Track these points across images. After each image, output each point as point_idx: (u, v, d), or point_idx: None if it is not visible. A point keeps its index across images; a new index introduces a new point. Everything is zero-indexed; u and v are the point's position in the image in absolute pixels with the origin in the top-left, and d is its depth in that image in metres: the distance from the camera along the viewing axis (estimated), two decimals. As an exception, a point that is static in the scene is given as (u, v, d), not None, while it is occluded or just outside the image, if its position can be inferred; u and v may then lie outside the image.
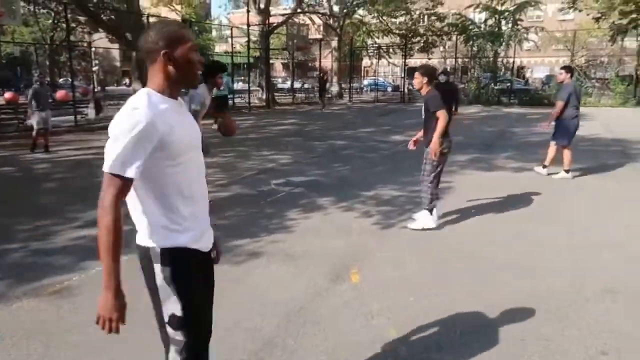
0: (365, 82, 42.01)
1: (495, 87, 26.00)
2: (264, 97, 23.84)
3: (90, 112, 15.53)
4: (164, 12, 36.39)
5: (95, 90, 18.71)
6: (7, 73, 33.40)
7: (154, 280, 1.70)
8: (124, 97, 18.82)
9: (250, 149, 10.21)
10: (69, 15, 16.78)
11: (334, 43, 31.03)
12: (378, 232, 4.90)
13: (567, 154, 7.34)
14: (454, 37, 29.87)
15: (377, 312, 3.19)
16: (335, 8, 30.63)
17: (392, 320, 3.08)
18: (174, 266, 1.68)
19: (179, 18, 36.66)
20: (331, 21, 30.98)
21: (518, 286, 3.61)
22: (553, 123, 7.48)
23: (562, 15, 33.52)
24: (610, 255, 4.24)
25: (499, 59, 29.22)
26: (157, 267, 1.68)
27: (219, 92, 14.25)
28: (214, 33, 50.06)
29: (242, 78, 33.42)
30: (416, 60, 38.24)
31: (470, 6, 30.12)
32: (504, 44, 28.11)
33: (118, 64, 49.86)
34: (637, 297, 3.42)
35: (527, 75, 40.81)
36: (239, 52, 29.42)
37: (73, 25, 25.87)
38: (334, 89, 30.27)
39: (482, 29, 29.87)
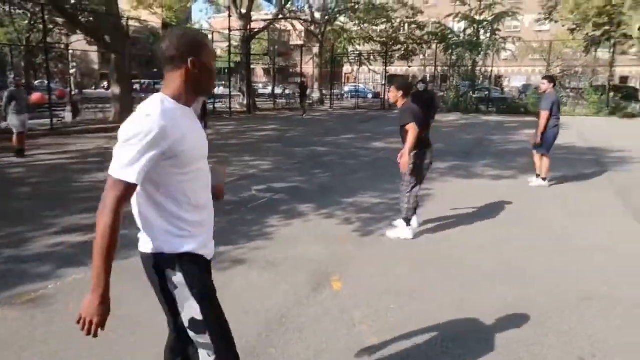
0: (346, 88, 42.29)
1: (474, 96, 26.40)
2: (245, 102, 23.76)
3: (67, 116, 15.26)
4: (144, 15, 36.02)
5: (73, 93, 18.33)
6: (-20, 74, 32.59)
7: (166, 286, 1.70)
8: (102, 100, 18.60)
9: (231, 154, 10.16)
10: (46, 17, 16.48)
11: (315, 49, 31.15)
12: (359, 239, 4.91)
13: (545, 162, 7.47)
14: (433, 46, 30.31)
15: (358, 319, 3.19)
16: (317, 15, 30.81)
17: (374, 328, 3.08)
18: (185, 270, 1.68)
19: (159, 21, 36.36)
20: (313, 27, 31.14)
21: (499, 293, 3.66)
22: (540, 134, 7.45)
23: (539, 26, 34.37)
24: (590, 263, 4.33)
25: (478, 68, 29.72)
26: (169, 273, 1.68)
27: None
28: (194, 37, 49.68)
29: (223, 83, 33.30)
30: (396, 68, 38.71)
31: (449, 15, 30.61)
32: (482, 53, 28.62)
33: (96, 66, 49.10)
34: (612, 303, 3.50)
35: (505, 84, 41.61)
36: (220, 57, 29.28)
37: (50, 26, 25.44)
38: (315, 95, 30.36)
39: (461, 38, 30.38)
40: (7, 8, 27.37)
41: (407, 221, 4.91)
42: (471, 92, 26.59)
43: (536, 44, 35.26)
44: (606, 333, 3.07)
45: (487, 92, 27.07)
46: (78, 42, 26.52)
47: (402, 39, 33.07)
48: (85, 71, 47.86)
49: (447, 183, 7.64)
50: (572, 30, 26.04)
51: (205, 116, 14.71)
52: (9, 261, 4.16)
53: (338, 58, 34.82)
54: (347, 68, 45.80)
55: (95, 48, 27.96)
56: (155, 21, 36.08)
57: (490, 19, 30.00)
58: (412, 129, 4.63)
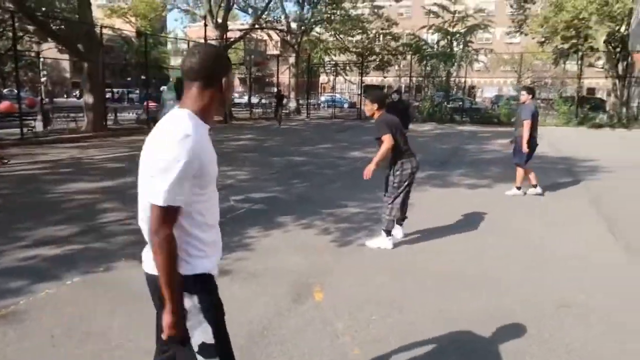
0: (323, 98, 42.52)
1: (448, 106, 26.85)
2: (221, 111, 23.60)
3: (38, 125, 14.87)
4: (118, 23, 35.58)
5: (44, 101, 17.91)
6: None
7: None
8: (74, 109, 18.19)
9: (207, 164, 10.03)
10: (15, 24, 16.10)
11: (292, 59, 31.27)
12: (338, 250, 4.90)
13: (520, 171, 7.61)
14: (408, 57, 30.78)
15: (341, 331, 3.17)
16: (293, 25, 30.96)
17: (356, 340, 3.07)
18: (201, 292, 1.64)
19: (133, 30, 35.95)
20: (289, 37, 31.26)
21: (479, 302, 3.69)
22: (526, 144, 7.50)
23: (509, 38, 35.29)
24: (566, 271, 4.41)
25: (452, 79, 30.29)
26: (185, 294, 1.62)
27: (168, 107, 14.04)
28: (169, 46, 49.37)
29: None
30: (372, 78, 39.11)
31: (423, 27, 31.21)
32: (456, 64, 29.20)
33: (68, 75, 48.21)
34: (589, 311, 3.57)
35: (478, 95, 42.52)
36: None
37: (20, 34, 24.84)
38: (292, 104, 30.41)
39: (435, 49, 30.96)
40: (-26, 15, 26.63)
41: (388, 232, 4.91)
42: (446, 103, 27.04)
43: (507, 55, 36.23)
44: (584, 341, 3.13)
45: (461, 103, 27.58)
46: (49, 50, 26.00)
47: (377, 49, 33.52)
48: (56, 79, 46.97)
49: (425, 192, 7.71)
50: (541, 43, 26.80)
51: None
52: (-23, 276, 4.00)
53: (314, 68, 35.03)
54: (323, 78, 46.12)
55: (66, 56, 27.46)
56: (129, 29, 35.64)
57: (462, 31, 30.73)
58: (386, 141, 4.65)
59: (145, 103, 18.78)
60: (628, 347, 3.07)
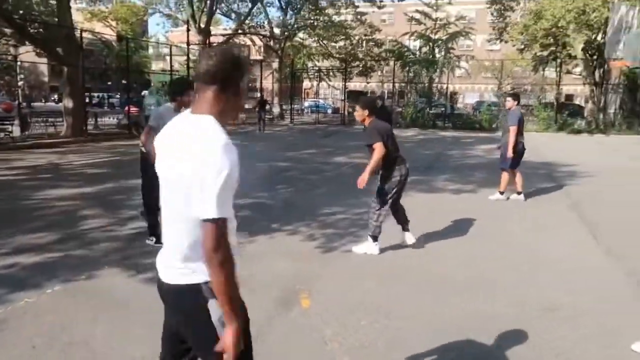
0: (306, 103, 42.52)
1: (431, 112, 27.10)
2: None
3: (15, 130, 14.56)
4: (98, 27, 35.13)
5: (21, 106, 17.55)
6: None
7: (207, 318, 1.55)
8: (52, 114, 17.87)
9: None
10: (-7, 27, 15.80)
11: (275, 64, 31.26)
12: (324, 255, 4.87)
13: (505, 177, 7.67)
14: (391, 63, 31.03)
15: (329, 337, 3.14)
16: (276, 30, 30.98)
17: (345, 346, 3.04)
18: None
19: (114, 34, 35.53)
20: (272, 43, 31.25)
21: (466, 307, 3.69)
22: (511, 149, 7.56)
23: (490, 45, 35.83)
24: (551, 275, 4.45)
25: (434, 85, 30.62)
26: (213, 302, 1.54)
27: (149, 111, 13.90)
28: (150, 50, 48.92)
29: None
30: (355, 84, 39.31)
31: (405, 34, 31.56)
32: (438, 70, 29.53)
33: (46, 79, 47.38)
34: (576, 314, 3.60)
35: (459, 100, 43.07)
36: (177, 71, 28.86)
37: (-3, 37, 24.36)
38: (275, 110, 30.36)
39: (417, 55, 31.30)
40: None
41: (374, 238, 4.89)
42: (428, 108, 27.28)
43: (488, 62, 36.79)
44: (572, 344, 3.15)
45: (443, 108, 27.86)
46: (27, 54, 25.52)
47: (360, 55, 33.72)
48: (34, 83, 46.11)
49: (410, 198, 7.70)
50: (521, 50, 27.30)
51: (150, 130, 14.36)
52: (-48, 285, 3.87)
53: (298, 73, 35.07)
54: (306, 83, 46.17)
55: (45, 60, 27.01)
56: (109, 33, 35.22)
57: (444, 38, 31.14)
58: (378, 149, 4.61)
59: (126, 108, 18.55)
60: (614, 349, 3.10)
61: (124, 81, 29.96)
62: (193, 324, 1.60)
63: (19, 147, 12.88)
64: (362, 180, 4.62)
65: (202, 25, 23.97)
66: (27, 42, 18.93)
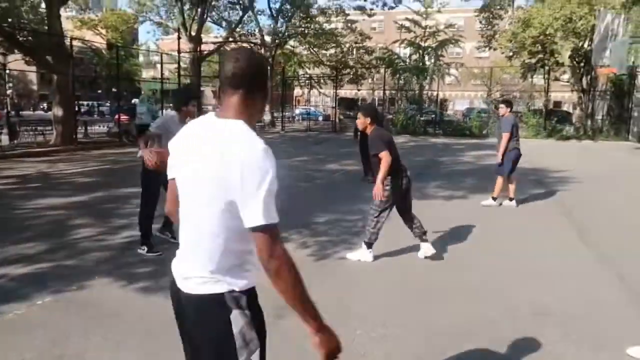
0: (297, 111, 42.59)
1: (421, 118, 27.25)
2: (195, 124, 23.35)
3: (4, 139, 14.43)
4: (88, 35, 35.01)
5: (10, 114, 17.40)
6: None
7: (227, 329, 1.49)
8: (41, 122, 17.73)
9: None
10: (-19, 35, 15.69)
11: (266, 72, 31.24)
12: (317, 263, 4.86)
13: (499, 182, 7.72)
14: (381, 70, 31.20)
15: (324, 346, 3.12)
16: (267, 38, 31.03)
17: (341, 356, 3.02)
18: (254, 308, 1.54)
19: (104, 42, 35.41)
20: (263, 51, 31.28)
21: (460, 313, 3.70)
22: (501, 155, 7.61)
23: (479, 52, 36.16)
24: (541, 281, 4.48)
25: (424, 92, 30.83)
26: (236, 313, 1.49)
27: (140, 120, 13.84)
28: (141, 58, 48.81)
29: (172, 105, 32.66)
30: (346, 91, 39.46)
31: (396, 42, 31.78)
32: (428, 77, 29.75)
33: (35, 87, 47.07)
34: (566, 319, 3.62)
35: (450, 107, 43.40)
36: (168, 79, 28.80)
37: (-15, 45, 24.13)
38: (266, 117, 30.36)
39: (407, 63, 31.53)
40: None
41: (369, 245, 4.88)
42: (419, 115, 27.45)
43: (477, 69, 37.13)
44: (563, 349, 3.16)
45: (433, 115, 28.04)
46: (15, 62, 25.33)
47: (351, 63, 33.86)
48: (23, 92, 45.76)
49: (402, 204, 7.75)
50: (509, 58, 27.58)
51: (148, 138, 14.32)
52: (-60, 298, 3.81)
53: (288, 81, 35.13)
54: (297, 91, 46.25)
55: (34, 68, 26.83)
56: (99, 41, 35.10)
57: (434, 45, 31.40)
58: (384, 157, 4.59)
59: (116, 116, 18.46)
60: (608, 354, 3.11)
61: (114, 89, 29.77)
62: (211, 335, 1.53)
63: (7, 157, 12.74)
64: (378, 189, 4.63)
65: (193, 33, 23.96)
66: (16, 50, 18.78)
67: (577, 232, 6.29)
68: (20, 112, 30.24)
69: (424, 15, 31.37)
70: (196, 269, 1.52)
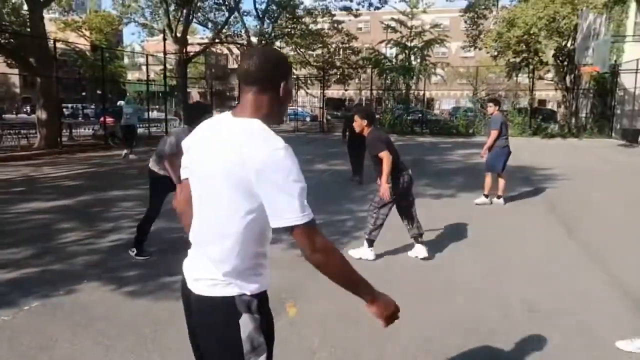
0: (285, 111, 42.45)
1: (408, 118, 27.37)
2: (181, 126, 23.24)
3: (-14, 142, 14.20)
4: (72, 37, 34.58)
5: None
6: None
7: (235, 334, 1.47)
8: (25, 125, 17.45)
9: (170, 180, 9.79)
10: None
11: (253, 73, 31.13)
12: (307, 263, 4.83)
13: (488, 180, 7.78)
14: (368, 70, 31.27)
15: (317, 347, 3.11)
16: (254, 39, 30.91)
17: (334, 355, 3.01)
18: (265, 312, 1.51)
19: (87, 44, 35.02)
20: (249, 52, 31.18)
21: (454, 311, 3.71)
22: (486, 149, 7.79)
23: (464, 52, 36.42)
24: (531, 277, 4.51)
25: (411, 92, 30.95)
26: (246, 317, 1.47)
27: (127, 121, 13.68)
28: (126, 60, 48.35)
29: (157, 107, 32.48)
30: (333, 91, 39.47)
31: (382, 42, 31.87)
32: (414, 77, 29.88)
33: (18, 90, 46.37)
34: (557, 315, 3.65)
35: (436, 106, 43.66)
36: (154, 80, 28.58)
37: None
38: (254, 118, 30.28)
39: (394, 63, 31.64)
40: None
41: (370, 242, 4.89)
42: (406, 115, 27.56)
43: (463, 69, 37.39)
44: (553, 345, 3.19)
45: (420, 115, 28.18)
46: (-2, 65, 24.94)
47: (338, 63, 33.85)
48: (5, 95, 45.09)
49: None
50: (494, 57, 27.80)
51: (134, 139, 14.18)
52: None
53: (276, 82, 34.98)
54: (284, 92, 46.08)
55: (16, 70, 26.43)
56: (83, 43, 34.69)
57: (420, 45, 31.56)
58: (385, 157, 4.61)
59: (102, 118, 18.24)
60: (597, 347, 3.14)
61: (99, 91, 29.44)
62: (218, 338, 1.51)
63: (-10, 160, 12.52)
64: (385, 190, 4.65)
65: (179, 35, 23.79)
66: (-3, 53, 18.47)
67: (566, 228, 6.35)
68: (3, 116, 29.81)
69: (410, 16, 31.51)
70: (207, 271, 1.50)
